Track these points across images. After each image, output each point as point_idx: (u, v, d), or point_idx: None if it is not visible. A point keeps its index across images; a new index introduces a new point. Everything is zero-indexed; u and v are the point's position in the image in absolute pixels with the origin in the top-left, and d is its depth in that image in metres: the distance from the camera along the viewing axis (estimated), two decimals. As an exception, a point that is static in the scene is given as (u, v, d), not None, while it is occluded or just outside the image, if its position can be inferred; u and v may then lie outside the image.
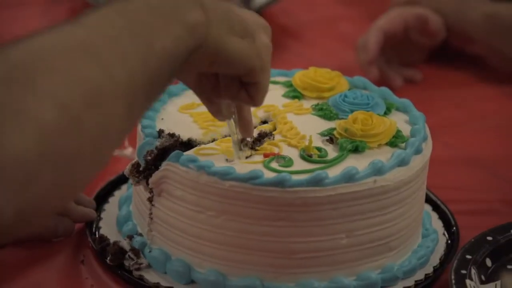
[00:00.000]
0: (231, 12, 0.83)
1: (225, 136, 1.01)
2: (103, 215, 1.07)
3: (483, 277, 0.97)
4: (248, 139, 0.97)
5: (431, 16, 1.41)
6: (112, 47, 0.72)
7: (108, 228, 1.05)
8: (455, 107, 1.38)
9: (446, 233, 1.07)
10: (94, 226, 1.05)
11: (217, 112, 0.94)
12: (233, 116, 0.95)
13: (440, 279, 1.00)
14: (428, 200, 1.11)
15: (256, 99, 0.88)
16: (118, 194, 1.11)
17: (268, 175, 0.93)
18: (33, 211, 0.67)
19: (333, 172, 0.94)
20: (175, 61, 0.77)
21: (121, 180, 1.12)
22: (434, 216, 1.10)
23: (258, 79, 0.86)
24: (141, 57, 0.74)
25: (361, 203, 0.94)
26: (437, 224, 1.09)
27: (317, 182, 0.92)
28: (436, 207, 1.11)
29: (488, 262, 0.99)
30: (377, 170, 0.95)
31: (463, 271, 0.95)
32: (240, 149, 0.96)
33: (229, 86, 0.88)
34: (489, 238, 1.01)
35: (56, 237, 1.03)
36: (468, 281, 0.94)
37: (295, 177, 0.92)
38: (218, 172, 0.92)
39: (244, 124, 0.95)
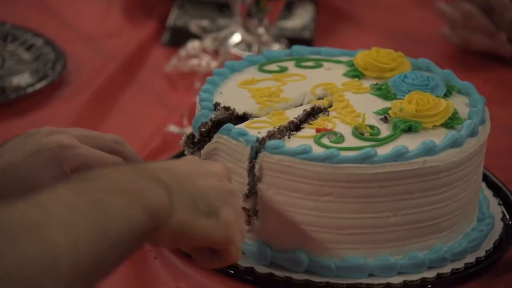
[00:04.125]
0: (196, 190, 0.81)
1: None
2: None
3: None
4: None
5: None
6: (63, 232, 0.68)
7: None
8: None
9: (507, 214, 1.06)
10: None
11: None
12: None
13: (501, 262, 1.00)
14: (490, 182, 1.10)
15: (229, 260, 0.85)
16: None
17: (317, 150, 0.93)
18: None
19: (383, 150, 0.94)
20: (128, 245, 0.73)
21: (182, 154, 1.14)
22: (494, 201, 1.09)
23: (224, 248, 0.84)
24: (92, 245, 0.69)
25: (410, 182, 0.94)
26: (496, 210, 1.08)
27: (365, 159, 0.92)
28: (497, 190, 1.10)
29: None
30: (428, 150, 0.94)
31: None
32: None
33: (200, 255, 0.85)
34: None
35: None
36: None
37: (344, 154, 0.93)
38: (267, 146, 0.93)
39: None
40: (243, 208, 0.94)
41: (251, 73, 1.09)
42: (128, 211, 0.73)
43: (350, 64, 1.11)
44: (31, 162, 0.93)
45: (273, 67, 1.11)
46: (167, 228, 0.77)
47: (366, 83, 1.08)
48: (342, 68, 1.11)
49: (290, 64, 1.11)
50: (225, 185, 0.85)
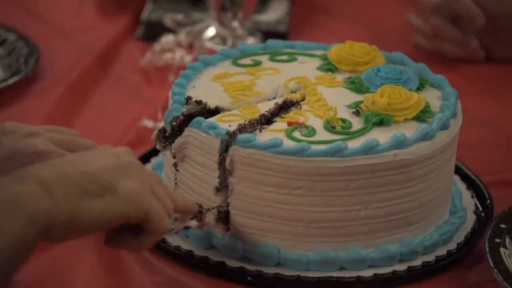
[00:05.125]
0: (83, 174, 0.78)
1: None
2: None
3: (518, 246, 0.97)
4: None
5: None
6: None
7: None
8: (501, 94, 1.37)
9: (480, 206, 1.06)
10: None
11: None
12: None
13: (472, 254, 1.01)
14: (464, 175, 1.11)
15: (156, 231, 0.82)
16: (154, 160, 1.13)
17: (288, 143, 0.93)
18: None
19: (354, 143, 0.94)
20: (13, 259, 0.72)
21: (156, 148, 1.13)
22: (467, 194, 1.10)
23: (144, 219, 0.81)
24: None
25: (381, 175, 0.94)
26: (469, 203, 1.08)
27: (336, 152, 0.92)
28: (470, 181, 1.10)
29: (523, 231, 0.98)
30: (399, 143, 0.94)
31: (497, 240, 0.95)
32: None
33: (125, 238, 0.82)
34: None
35: None
36: (502, 249, 0.94)
37: (315, 147, 0.93)
38: (238, 139, 0.93)
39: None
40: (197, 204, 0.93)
41: (225, 67, 1.09)
42: (6, 227, 0.71)
43: (324, 57, 1.11)
44: (5, 167, 0.92)
45: (247, 61, 1.11)
46: (58, 225, 0.75)
47: (340, 77, 1.08)
48: (316, 62, 1.11)
49: (264, 58, 1.11)
50: (123, 159, 0.81)
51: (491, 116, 1.29)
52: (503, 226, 0.97)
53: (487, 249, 0.94)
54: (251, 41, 1.37)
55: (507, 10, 1.39)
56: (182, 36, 1.39)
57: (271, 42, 1.14)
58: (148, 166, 1.13)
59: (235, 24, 1.37)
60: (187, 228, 0.92)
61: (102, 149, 0.83)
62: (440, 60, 1.41)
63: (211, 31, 1.38)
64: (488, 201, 1.07)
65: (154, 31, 1.42)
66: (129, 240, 0.83)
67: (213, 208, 0.95)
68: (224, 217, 0.95)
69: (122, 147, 0.84)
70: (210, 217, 0.94)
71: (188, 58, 1.36)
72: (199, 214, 0.93)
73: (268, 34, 1.39)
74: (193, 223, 0.92)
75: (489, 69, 1.41)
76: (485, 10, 1.38)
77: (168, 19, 1.41)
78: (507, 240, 0.96)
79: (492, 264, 0.92)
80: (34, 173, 0.76)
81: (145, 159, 1.13)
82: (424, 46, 1.43)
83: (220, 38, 1.38)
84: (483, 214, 1.06)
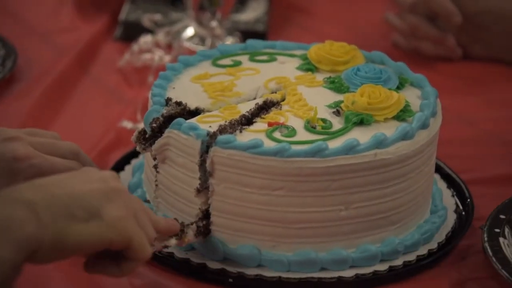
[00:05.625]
0: (70, 197, 0.78)
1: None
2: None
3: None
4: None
5: None
6: None
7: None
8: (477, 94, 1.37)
9: (460, 205, 1.07)
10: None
11: None
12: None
13: (453, 253, 1.01)
14: (444, 174, 1.11)
15: (137, 258, 0.82)
16: (135, 162, 1.13)
17: (269, 144, 0.93)
18: None
19: (335, 143, 0.94)
20: (3, 285, 0.72)
21: (135, 150, 1.12)
22: (448, 193, 1.10)
23: (126, 246, 0.81)
24: None
25: (361, 175, 0.94)
26: (450, 202, 1.08)
27: (316, 153, 0.92)
28: (450, 180, 1.11)
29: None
30: (379, 143, 0.94)
31: (497, 230, 0.96)
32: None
33: (105, 264, 0.82)
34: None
35: None
36: (501, 239, 0.94)
37: (295, 147, 0.93)
38: (218, 140, 0.93)
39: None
40: (175, 219, 0.93)
41: (205, 67, 1.09)
42: None
43: (304, 57, 1.11)
44: None
45: (227, 61, 1.10)
46: (44, 247, 0.75)
47: (320, 77, 1.08)
48: (296, 62, 1.11)
49: (244, 58, 1.11)
50: (109, 184, 0.81)
51: (470, 113, 1.30)
52: (502, 216, 0.97)
53: (486, 239, 0.94)
54: (229, 40, 1.37)
55: (484, 8, 1.40)
56: (161, 36, 1.38)
57: (251, 42, 1.14)
58: (128, 167, 1.12)
59: (214, 23, 1.37)
60: (166, 247, 0.91)
61: (88, 172, 0.83)
62: (418, 58, 1.42)
63: (189, 31, 1.38)
64: (469, 199, 1.07)
65: (132, 31, 1.41)
66: (109, 266, 0.82)
67: (191, 224, 0.94)
68: (203, 231, 0.95)
69: (107, 171, 0.84)
70: (190, 234, 0.93)
71: (167, 58, 1.35)
72: (180, 232, 0.92)
73: (246, 33, 1.38)
74: (173, 241, 0.91)
75: (467, 66, 1.41)
76: (462, 8, 1.39)
77: (146, 19, 1.41)
78: (506, 230, 0.96)
79: (490, 253, 0.92)
80: (22, 195, 0.76)
81: (125, 160, 1.13)
82: (402, 45, 1.43)
83: (198, 38, 1.37)
84: (463, 212, 1.06)
